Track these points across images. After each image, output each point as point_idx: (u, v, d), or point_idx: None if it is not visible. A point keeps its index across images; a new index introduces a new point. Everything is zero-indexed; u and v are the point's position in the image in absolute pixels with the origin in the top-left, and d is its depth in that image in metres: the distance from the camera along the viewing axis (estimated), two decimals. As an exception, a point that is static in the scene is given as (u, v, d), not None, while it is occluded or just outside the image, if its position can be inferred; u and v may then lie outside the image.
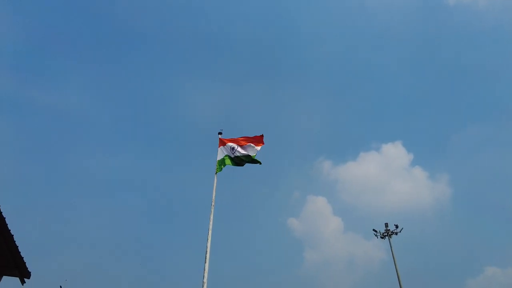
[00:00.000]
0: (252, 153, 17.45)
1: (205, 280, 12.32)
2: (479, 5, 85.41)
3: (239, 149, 17.55)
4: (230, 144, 17.72)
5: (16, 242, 9.89)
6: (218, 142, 17.84)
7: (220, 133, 18.24)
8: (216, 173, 16.37)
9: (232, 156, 17.39)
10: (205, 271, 12.56)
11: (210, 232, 13.85)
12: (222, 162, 17.08)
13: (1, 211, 8.78)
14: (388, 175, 71.19)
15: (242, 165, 17.55)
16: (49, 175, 72.47)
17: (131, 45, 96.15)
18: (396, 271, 30.68)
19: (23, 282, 11.00)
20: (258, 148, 17.70)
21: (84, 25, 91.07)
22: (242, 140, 17.97)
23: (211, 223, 14.19)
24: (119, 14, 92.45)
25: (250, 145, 17.80)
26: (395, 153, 72.04)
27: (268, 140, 18.72)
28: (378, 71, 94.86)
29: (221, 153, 17.43)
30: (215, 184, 15.85)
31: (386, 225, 32.31)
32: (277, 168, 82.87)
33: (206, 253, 13.06)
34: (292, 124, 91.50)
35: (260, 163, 17.57)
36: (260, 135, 18.08)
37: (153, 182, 77.86)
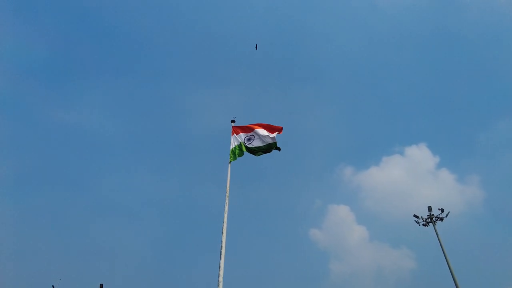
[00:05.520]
0: (271, 141, 15.85)
1: (220, 279, 10.75)
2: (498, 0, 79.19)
3: (255, 141, 16.10)
4: (244, 134, 16.36)
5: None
6: (231, 130, 16.50)
7: (233, 121, 16.90)
8: (230, 162, 15.01)
9: (248, 145, 15.98)
10: (220, 269, 11.01)
11: (225, 225, 12.31)
12: (236, 151, 15.62)
13: None
14: (413, 180, 65.58)
15: (257, 155, 16.08)
16: (64, 194, 71.81)
17: (143, 60, 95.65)
18: (448, 263, 27.67)
19: None
20: (274, 135, 16.02)
21: (96, 41, 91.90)
22: (256, 126, 16.40)
23: (225, 215, 12.71)
24: (131, 27, 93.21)
25: (266, 134, 16.18)
26: (419, 156, 66.08)
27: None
28: (397, 72, 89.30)
29: (234, 141, 16.06)
30: (229, 174, 14.49)
31: (430, 208, 27.80)
32: (295, 176, 78.24)
33: (221, 249, 11.52)
34: (310, 130, 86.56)
35: (280, 149, 15.99)
36: (278, 127, 16.40)
37: (171, 199, 75.32)
